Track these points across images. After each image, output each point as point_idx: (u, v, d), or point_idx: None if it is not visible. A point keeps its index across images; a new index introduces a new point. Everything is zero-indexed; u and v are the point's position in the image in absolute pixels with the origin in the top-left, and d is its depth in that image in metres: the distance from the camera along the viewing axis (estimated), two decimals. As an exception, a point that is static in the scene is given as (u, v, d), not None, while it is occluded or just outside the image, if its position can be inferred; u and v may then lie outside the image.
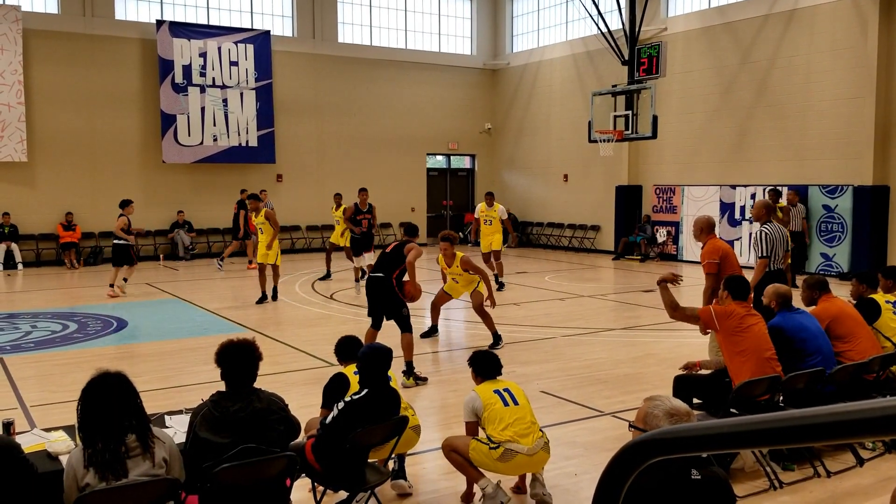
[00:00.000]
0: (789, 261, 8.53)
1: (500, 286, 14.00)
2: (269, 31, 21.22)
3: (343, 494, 4.59)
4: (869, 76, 15.18)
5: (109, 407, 3.28)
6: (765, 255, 7.91)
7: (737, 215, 17.69)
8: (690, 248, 18.71)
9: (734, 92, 17.95)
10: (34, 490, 3.32)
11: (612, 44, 17.01)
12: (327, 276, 15.77)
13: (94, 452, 3.22)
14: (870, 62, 15.15)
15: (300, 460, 4.04)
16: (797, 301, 6.40)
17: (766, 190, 15.69)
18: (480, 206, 14.64)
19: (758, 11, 17.33)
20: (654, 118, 15.48)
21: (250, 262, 16.60)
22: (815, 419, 1.15)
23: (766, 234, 7.94)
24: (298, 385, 7.67)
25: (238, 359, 3.73)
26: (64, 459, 3.58)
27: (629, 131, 16.12)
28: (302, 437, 4.48)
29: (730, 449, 1.29)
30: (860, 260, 15.09)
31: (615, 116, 16.43)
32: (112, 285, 13.75)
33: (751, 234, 16.39)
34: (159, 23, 19.77)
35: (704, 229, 7.57)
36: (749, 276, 6.70)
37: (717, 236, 7.69)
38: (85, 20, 19.18)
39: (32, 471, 3.33)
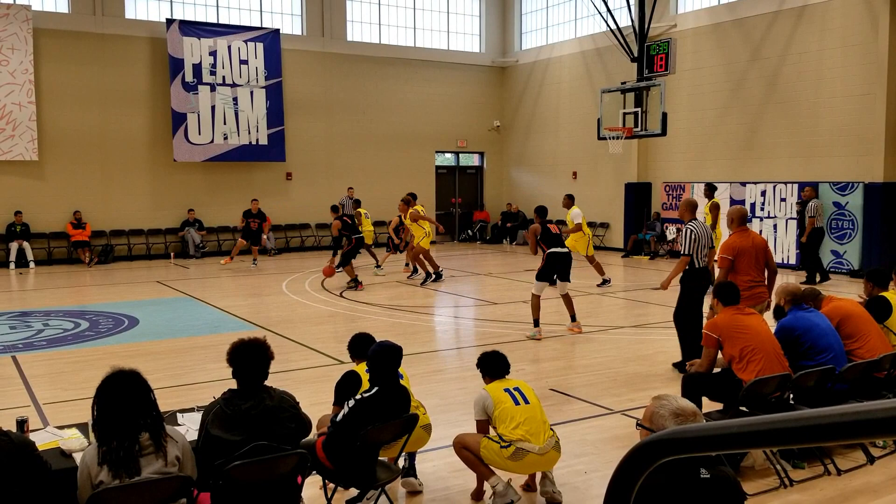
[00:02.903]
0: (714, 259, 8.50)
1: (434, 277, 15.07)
2: (278, 30, 21.27)
3: (354, 492, 4.61)
4: (880, 72, 15.09)
5: (124, 404, 3.31)
6: (687, 252, 8.03)
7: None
8: (700, 245, 18.63)
9: (744, 88, 17.87)
10: (48, 487, 3.35)
11: (622, 41, 16.97)
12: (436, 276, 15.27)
13: (108, 450, 3.25)
14: (880, 58, 15.06)
15: (311, 458, 4.06)
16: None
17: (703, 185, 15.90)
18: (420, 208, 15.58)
19: (768, 8, 17.24)
20: (664, 115, 15.44)
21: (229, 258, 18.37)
22: (824, 419, 1.15)
23: (690, 230, 8.03)
24: (309, 382, 7.70)
25: (249, 358, 3.76)
26: (77, 457, 3.61)
27: (638, 128, 16.09)
28: (313, 435, 4.50)
29: (740, 449, 1.30)
30: (871, 257, 15.02)
31: (624, 113, 16.40)
32: (379, 266, 16.70)
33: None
34: (169, 21, 19.84)
35: (735, 220, 7.57)
36: (781, 271, 6.71)
37: (748, 229, 7.65)
38: (95, 19, 19.26)
39: (46, 468, 3.37)
